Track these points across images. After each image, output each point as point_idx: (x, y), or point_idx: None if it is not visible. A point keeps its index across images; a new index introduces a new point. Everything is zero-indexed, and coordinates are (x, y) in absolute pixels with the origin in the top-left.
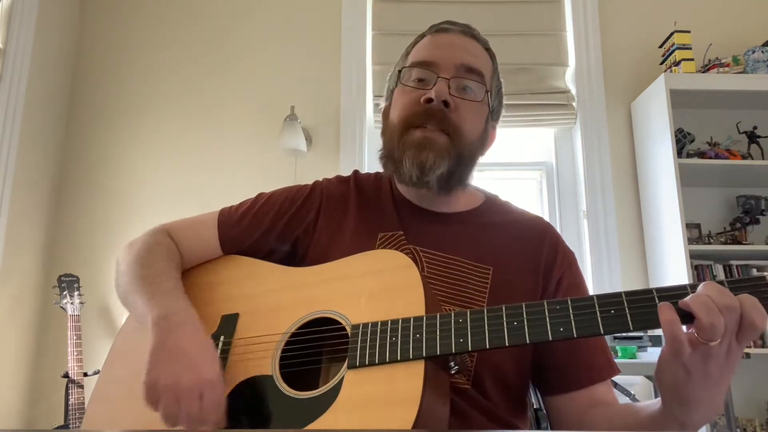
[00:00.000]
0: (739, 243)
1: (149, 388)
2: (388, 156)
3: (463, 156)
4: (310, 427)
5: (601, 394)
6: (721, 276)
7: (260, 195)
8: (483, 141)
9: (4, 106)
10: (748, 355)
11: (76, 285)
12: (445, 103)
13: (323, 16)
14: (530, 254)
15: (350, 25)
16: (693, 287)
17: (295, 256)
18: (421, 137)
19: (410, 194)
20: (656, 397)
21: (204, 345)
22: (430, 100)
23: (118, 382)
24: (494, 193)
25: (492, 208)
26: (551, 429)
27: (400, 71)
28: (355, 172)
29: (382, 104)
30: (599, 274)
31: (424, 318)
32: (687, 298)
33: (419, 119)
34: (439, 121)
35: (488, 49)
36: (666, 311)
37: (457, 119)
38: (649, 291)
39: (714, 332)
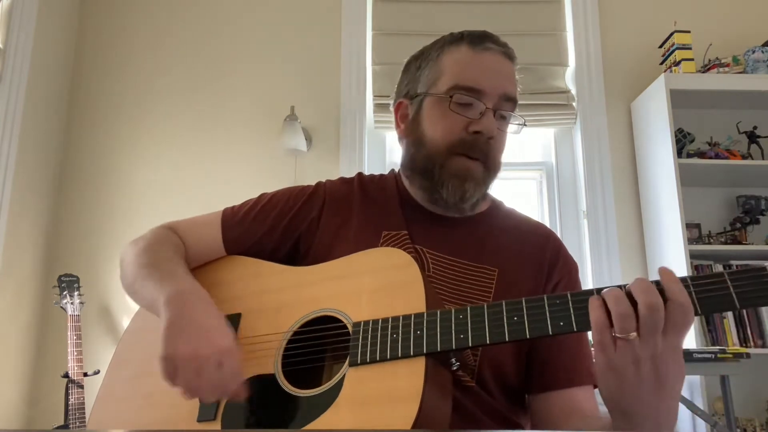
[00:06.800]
0: (739, 243)
1: (167, 362)
2: (422, 173)
3: (492, 181)
4: (313, 424)
5: (580, 400)
6: None
7: (263, 195)
8: None
9: (4, 106)
10: (748, 355)
11: (76, 285)
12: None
13: (323, 16)
14: (534, 258)
15: (350, 25)
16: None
17: (297, 255)
18: (465, 168)
19: (421, 197)
20: None
21: (217, 316)
22: (477, 132)
23: (123, 383)
24: (499, 198)
25: (497, 213)
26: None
27: (450, 94)
28: (359, 174)
29: (395, 99)
30: (599, 274)
31: (425, 315)
32: (603, 291)
33: (463, 148)
34: (483, 154)
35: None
36: (593, 302)
37: (496, 151)
38: None
39: (624, 323)
